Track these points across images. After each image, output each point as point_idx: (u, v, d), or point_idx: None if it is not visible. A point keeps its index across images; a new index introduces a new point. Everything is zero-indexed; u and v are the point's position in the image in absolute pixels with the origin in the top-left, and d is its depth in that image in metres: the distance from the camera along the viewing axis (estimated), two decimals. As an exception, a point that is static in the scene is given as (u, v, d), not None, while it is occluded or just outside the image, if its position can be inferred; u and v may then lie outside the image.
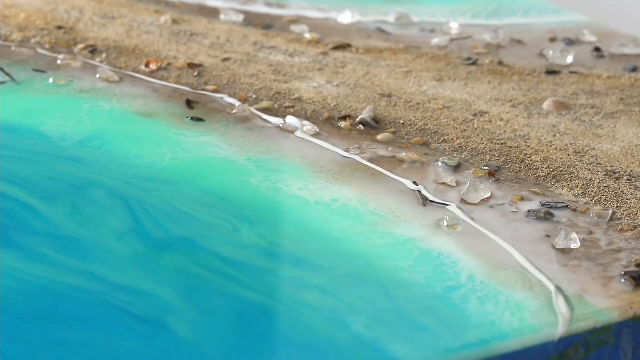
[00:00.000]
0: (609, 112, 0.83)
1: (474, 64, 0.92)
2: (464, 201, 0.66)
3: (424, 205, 0.66)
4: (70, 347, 0.51)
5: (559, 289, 0.57)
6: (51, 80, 0.82)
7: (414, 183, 0.68)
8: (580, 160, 0.73)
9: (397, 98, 0.83)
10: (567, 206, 0.66)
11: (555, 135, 0.77)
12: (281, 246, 0.61)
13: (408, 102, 0.82)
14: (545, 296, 0.56)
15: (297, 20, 1.02)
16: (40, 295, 0.54)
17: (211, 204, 0.65)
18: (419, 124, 0.78)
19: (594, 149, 0.75)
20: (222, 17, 1.01)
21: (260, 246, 0.60)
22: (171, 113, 0.78)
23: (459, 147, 0.74)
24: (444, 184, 0.69)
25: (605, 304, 0.56)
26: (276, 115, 0.78)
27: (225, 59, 0.89)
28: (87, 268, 0.57)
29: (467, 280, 0.58)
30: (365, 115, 0.78)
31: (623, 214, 0.66)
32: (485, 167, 0.71)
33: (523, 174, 0.71)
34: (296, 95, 0.82)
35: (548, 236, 0.63)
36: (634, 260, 0.60)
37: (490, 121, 0.79)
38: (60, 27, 0.94)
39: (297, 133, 0.75)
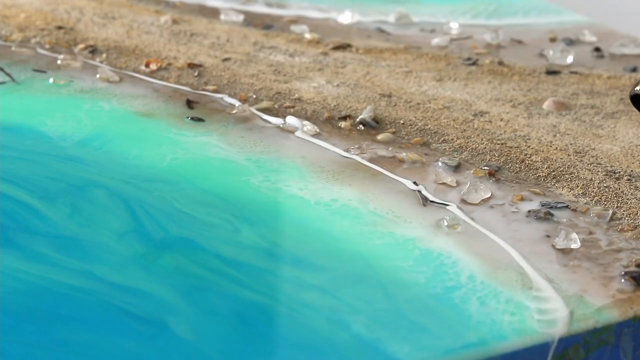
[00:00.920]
0: (609, 112, 0.83)
1: (474, 64, 0.92)
2: (464, 201, 0.66)
3: (424, 205, 0.66)
4: (70, 347, 0.51)
5: (558, 288, 0.57)
6: (51, 80, 0.82)
7: (414, 183, 0.68)
8: (580, 160, 0.73)
9: (397, 98, 0.83)
10: (567, 206, 0.66)
11: (555, 135, 0.77)
12: (281, 246, 0.61)
13: (408, 102, 0.82)
14: (545, 296, 0.56)
15: (297, 20, 1.02)
16: (40, 295, 0.54)
17: (211, 204, 0.64)
18: (419, 124, 0.78)
19: (594, 149, 0.75)
20: (222, 17, 1.01)
21: (260, 246, 0.60)
22: (171, 113, 0.78)
23: (459, 147, 0.74)
24: (444, 184, 0.69)
25: (605, 304, 0.56)
26: (276, 115, 0.78)
27: (225, 59, 0.89)
28: (87, 268, 0.57)
29: (467, 280, 0.58)
30: (365, 115, 0.78)
31: (623, 214, 0.66)
32: (485, 167, 0.71)
33: (523, 174, 0.71)
34: (296, 95, 0.82)
35: (548, 236, 0.63)
36: (634, 260, 0.60)
37: (490, 121, 0.79)
38: (60, 27, 0.94)
39: (297, 133, 0.75)
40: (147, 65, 0.86)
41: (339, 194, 0.66)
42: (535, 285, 0.57)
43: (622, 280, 0.58)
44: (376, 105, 0.80)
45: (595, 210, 0.66)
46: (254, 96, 0.81)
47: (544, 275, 0.58)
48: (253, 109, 0.79)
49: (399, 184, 0.68)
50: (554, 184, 0.69)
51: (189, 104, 0.79)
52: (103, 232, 0.61)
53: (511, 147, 0.74)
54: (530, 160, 0.73)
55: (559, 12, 1.08)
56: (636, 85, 0.72)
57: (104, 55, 0.88)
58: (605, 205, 0.67)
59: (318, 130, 0.76)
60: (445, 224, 0.63)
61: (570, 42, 0.99)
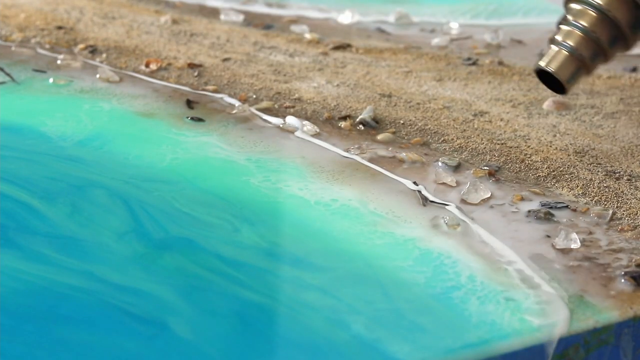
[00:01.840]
0: (609, 112, 0.83)
1: (474, 64, 0.92)
2: (464, 201, 0.66)
3: (424, 205, 0.66)
4: (70, 347, 0.51)
5: (558, 288, 0.57)
6: (51, 80, 0.82)
7: (414, 183, 0.68)
8: (580, 160, 0.73)
9: (397, 98, 0.83)
10: (567, 206, 0.66)
11: (555, 135, 0.77)
12: (281, 246, 0.61)
13: (408, 102, 0.82)
14: (545, 296, 0.56)
15: (297, 20, 1.02)
16: (40, 295, 0.54)
17: (211, 204, 0.65)
18: (419, 124, 0.78)
19: (594, 149, 0.75)
20: (222, 17, 1.01)
21: (260, 246, 0.60)
22: (171, 113, 0.78)
23: (459, 147, 0.74)
24: (444, 184, 0.69)
25: (605, 304, 0.56)
26: (276, 115, 0.78)
27: (225, 59, 0.89)
28: (87, 268, 0.57)
29: (467, 280, 0.58)
30: (365, 115, 0.78)
31: (623, 214, 0.66)
32: (485, 167, 0.71)
33: (523, 174, 0.71)
34: (296, 95, 0.82)
35: (548, 236, 0.63)
36: (634, 260, 0.60)
37: (490, 121, 0.79)
38: (60, 27, 0.94)
39: (297, 133, 0.75)
40: (147, 65, 0.86)
41: (339, 194, 0.66)
42: (535, 286, 0.57)
43: (622, 280, 0.58)
44: (376, 105, 0.80)
45: (595, 210, 0.66)
46: (254, 96, 0.81)
47: (544, 275, 0.58)
48: (253, 109, 0.79)
49: (399, 184, 0.68)
50: (554, 184, 0.69)
51: (189, 104, 0.79)
52: (103, 232, 0.61)
53: (511, 147, 0.75)
54: (530, 160, 0.73)
55: (559, 12, 1.08)
56: (541, 59, 0.72)
57: (104, 55, 0.88)
58: (605, 205, 0.67)
59: (318, 130, 0.76)
60: (445, 224, 0.63)
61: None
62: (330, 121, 0.78)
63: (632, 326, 0.56)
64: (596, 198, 0.68)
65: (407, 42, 0.97)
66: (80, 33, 0.93)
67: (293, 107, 0.80)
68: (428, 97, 0.83)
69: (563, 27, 0.73)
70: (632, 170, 0.72)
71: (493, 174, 0.70)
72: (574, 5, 0.73)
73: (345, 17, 1.03)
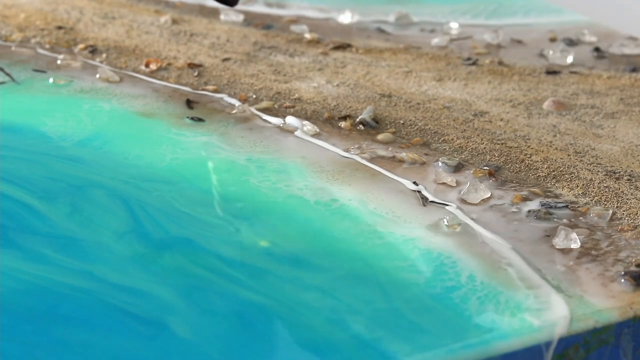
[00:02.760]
0: (609, 112, 0.83)
1: (474, 64, 0.92)
2: (464, 201, 0.66)
3: (424, 205, 0.66)
4: (70, 347, 0.51)
5: (558, 288, 0.57)
6: (51, 80, 0.82)
7: (414, 183, 0.68)
8: (580, 160, 0.73)
9: (397, 98, 0.83)
10: (567, 206, 0.66)
11: (555, 135, 0.77)
12: (281, 246, 0.61)
13: (408, 102, 0.82)
14: (545, 296, 0.56)
15: (297, 20, 1.02)
16: (40, 295, 0.54)
17: (211, 204, 0.65)
18: (419, 124, 0.78)
19: (594, 149, 0.75)
20: (222, 17, 1.01)
21: (260, 246, 0.60)
22: (171, 113, 0.78)
23: (459, 147, 0.74)
24: (444, 184, 0.69)
25: (605, 304, 0.56)
26: (276, 115, 0.78)
27: (225, 59, 0.89)
28: (87, 268, 0.57)
29: (467, 280, 0.58)
30: (365, 115, 0.78)
31: (623, 214, 0.66)
32: (485, 167, 0.71)
33: (523, 174, 0.71)
34: (296, 95, 0.82)
35: (548, 236, 0.63)
36: (634, 260, 0.60)
37: (490, 121, 0.79)
38: (60, 27, 0.94)
39: (297, 133, 0.75)
40: (147, 65, 0.86)
41: (339, 194, 0.66)
42: (535, 285, 0.57)
43: (622, 280, 0.58)
44: (376, 105, 0.80)
45: (595, 210, 0.66)
46: (254, 96, 0.81)
47: (544, 275, 0.58)
48: (253, 109, 0.79)
49: (399, 184, 0.68)
50: (554, 184, 0.69)
51: (189, 104, 0.79)
52: (103, 232, 0.61)
53: (511, 147, 0.74)
54: (530, 160, 0.73)
55: (559, 12, 1.08)
56: None
57: (104, 55, 0.88)
58: (605, 205, 0.67)
59: (318, 130, 0.76)
60: (445, 224, 0.63)
61: (570, 42, 0.99)
62: (330, 121, 0.78)
63: (632, 326, 0.56)
64: (596, 198, 0.68)
65: (407, 42, 0.97)
66: (80, 33, 0.93)
67: (293, 107, 0.80)
68: (428, 97, 0.83)
69: None
70: (632, 170, 0.72)
71: (493, 174, 0.70)
72: None
73: (345, 17, 1.03)
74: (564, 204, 0.67)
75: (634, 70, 0.93)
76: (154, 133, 0.74)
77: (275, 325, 0.53)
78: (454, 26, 1.01)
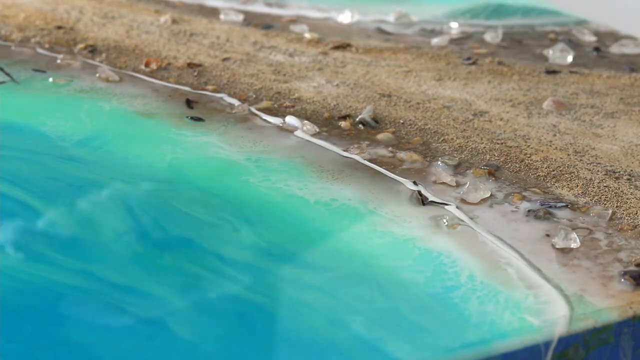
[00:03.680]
0: (609, 111, 0.83)
1: (474, 63, 0.92)
2: (463, 201, 0.66)
3: (424, 204, 0.66)
4: (70, 347, 0.51)
5: (558, 288, 0.57)
6: (51, 80, 0.82)
7: (414, 183, 0.68)
8: (580, 160, 0.73)
9: (397, 98, 0.83)
10: (567, 206, 0.66)
11: (555, 135, 0.77)
12: (281, 246, 0.61)
13: (408, 101, 0.82)
14: (544, 296, 0.56)
15: (297, 20, 1.02)
16: (40, 295, 0.54)
17: (211, 204, 0.65)
18: (419, 124, 0.78)
19: (594, 148, 0.75)
20: (222, 17, 1.01)
21: (260, 246, 0.60)
22: (171, 113, 0.78)
23: (459, 146, 0.74)
24: (444, 183, 0.69)
25: (605, 304, 0.56)
26: (276, 115, 0.78)
27: (225, 59, 0.89)
28: (87, 268, 0.57)
29: (467, 280, 0.58)
30: (365, 114, 0.78)
31: (623, 213, 0.66)
32: (485, 167, 0.71)
33: (523, 173, 0.71)
34: (296, 95, 0.82)
35: (548, 236, 0.63)
36: (634, 260, 0.60)
37: (490, 121, 0.79)
38: (60, 27, 0.94)
39: (297, 133, 0.75)
40: (147, 65, 0.86)
41: (338, 194, 0.66)
42: (534, 285, 0.57)
43: (622, 280, 0.58)
44: (376, 105, 0.80)
45: (595, 210, 0.66)
46: (254, 96, 0.81)
47: (544, 274, 0.58)
48: (253, 109, 0.79)
49: (399, 184, 0.68)
50: (553, 184, 0.69)
51: (189, 103, 0.79)
52: (103, 232, 0.61)
53: (511, 147, 0.75)
54: (530, 160, 0.73)
55: (559, 12, 1.08)
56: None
57: (104, 55, 0.88)
58: (605, 205, 0.67)
59: (318, 129, 0.76)
60: (445, 223, 0.63)
61: (570, 42, 0.99)
62: (330, 121, 0.78)
63: (631, 326, 0.56)
64: (596, 198, 0.68)
65: (407, 42, 0.97)
66: (80, 33, 0.93)
67: (293, 106, 0.80)
68: (428, 96, 0.83)
69: None
70: (632, 170, 0.72)
71: (493, 174, 0.70)
72: None
73: (345, 17, 1.03)
74: (563, 204, 0.67)
75: (633, 70, 0.93)
76: (153, 133, 0.74)
77: (275, 325, 0.53)
78: (454, 26, 1.01)
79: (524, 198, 0.67)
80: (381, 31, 1.01)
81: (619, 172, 0.71)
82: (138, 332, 0.52)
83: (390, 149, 0.73)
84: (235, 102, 0.80)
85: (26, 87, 0.81)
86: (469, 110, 0.81)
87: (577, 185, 0.69)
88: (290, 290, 0.56)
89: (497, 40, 0.98)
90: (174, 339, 0.52)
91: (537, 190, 0.68)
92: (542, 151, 0.74)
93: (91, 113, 0.77)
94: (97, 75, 0.83)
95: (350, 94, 0.83)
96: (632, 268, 0.59)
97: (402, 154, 0.72)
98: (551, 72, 0.91)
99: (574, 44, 0.98)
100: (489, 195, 0.67)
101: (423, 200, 0.66)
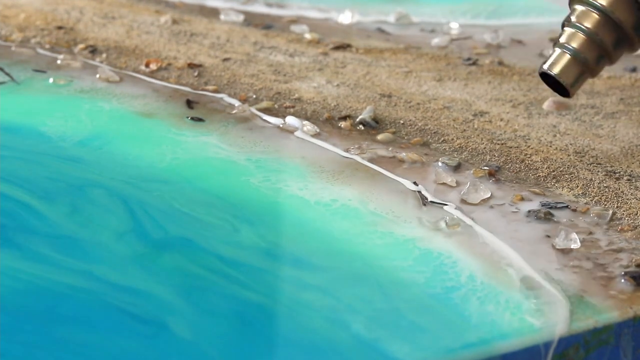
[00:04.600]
0: (609, 112, 0.83)
1: (474, 64, 0.92)
2: (464, 201, 0.66)
3: (424, 205, 0.66)
4: (70, 347, 0.51)
5: (558, 289, 0.57)
6: (51, 80, 0.82)
7: (414, 183, 0.68)
8: (580, 160, 0.73)
9: (397, 98, 0.83)
10: (567, 206, 0.66)
11: (555, 135, 0.77)
12: (281, 246, 0.61)
13: (408, 102, 0.82)
14: (545, 296, 0.56)
15: (297, 20, 1.02)
16: (40, 295, 0.54)
17: (211, 204, 0.65)
18: (419, 124, 0.78)
19: (594, 149, 0.75)
20: (222, 17, 1.01)
21: (260, 246, 0.60)
22: (171, 113, 0.78)
23: (459, 147, 0.74)
24: (444, 184, 0.69)
25: (605, 304, 0.56)
26: (276, 115, 0.78)
27: (225, 59, 0.89)
28: (86, 268, 0.57)
29: (467, 280, 0.58)
30: (365, 115, 0.78)
31: (623, 214, 0.66)
32: (485, 167, 0.71)
33: (523, 174, 0.71)
34: (296, 95, 0.82)
35: (548, 236, 0.63)
36: (634, 260, 0.60)
37: (490, 121, 0.79)
38: (60, 27, 0.94)
39: (297, 133, 0.75)
40: (147, 65, 0.86)
41: (339, 194, 0.66)
42: (535, 285, 0.57)
43: (622, 280, 0.58)
44: (376, 105, 0.80)
45: (595, 210, 0.66)
46: (254, 96, 0.81)
47: (544, 275, 0.58)
48: (253, 109, 0.79)
49: (399, 184, 0.68)
50: (554, 184, 0.69)
51: (189, 104, 0.79)
52: (103, 232, 0.61)
53: (511, 147, 0.74)
54: (530, 160, 0.73)
55: (559, 12, 1.08)
56: (544, 63, 0.71)
57: (104, 55, 0.88)
58: (605, 205, 0.67)
59: (318, 130, 0.76)
60: (445, 224, 0.63)
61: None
62: (330, 121, 0.78)
63: (632, 326, 0.56)
64: (596, 198, 0.68)
65: (407, 42, 0.97)
66: (80, 33, 0.93)
67: (293, 107, 0.80)
68: (428, 97, 0.83)
69: (567, 29, 0.71)
70: (632, 170, 0.72)
71: (493, 174, 0.70)
72: (577, 6, 0.71)
73: (345, 17, 1.03)
74: (564, 204, 0.67)
75: (634, 70, 0.93)
76: (154, 133, 0.74)
77: (275, 325, 0.53)
78: (454, 26, 1.01)
79: (524, 198, 0.67)
80: (381, 31, 1.01)
81: (619, 172, 0.71)
82: (138, 332, 0.52)
83: (390, 149, 0.73)
84: (236, 102, 0.80)
85: (26, 87, 0.81)
86: (469, 110, 0.81)
87: (578, 186, 0.69)
88: (290, 291, 0.56)
89: (497, 40, 0.98)
90: (173, 339, 0.52)
91: (538, 191, 0.68)
92: (542, 151, 0.74)
93: (91, 113, 0.77)
94: (98, 75, 0.83)
95: (351, 95, 0.83)
96: (633, 269, 0.59)
97: (402, 155, 0.72)
98: (551, 72, 0.91)
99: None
100: (489, 195, 0.67)
101: (423, 201, 0.66)
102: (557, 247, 0.61)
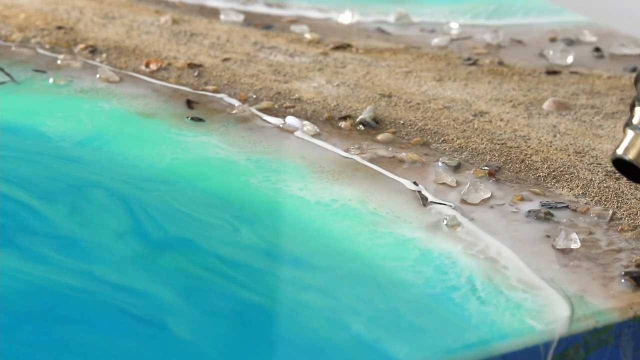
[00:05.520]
0: (609, 112, 0.83)
1: (474, 64, 0.92)
2: (464, 201, 0.66)
3: (424, 205, 0.66)
4: (70, 347, 0.51)
5: (559, 289, 0.57)
6: (51, 80, 0.82)
7: (414, 183, 0.68)
8: (581, 160, 0.73)
9: (397, 98, 0.83)
10: (567, 206, 0.66)
11: (555, 135, 0.77)
12: (281, 246, 0.61)
13: (408, 102, 0.82)
14: (545, 296, 0.56)
15: (297, 20, 1.02)
16: (40, 295, 0.54)
17: (211, 204, 0.64)
18: (419, 124, 0.78)
19: (594, 149, 0.75)
20: (222, 17, 1.01)
21: (260, 246, 0.60)
22: (171, 113, 0.78)
23: (459, 147, 0.74)
24: (444, 184, 0.69)
25: (605, 304, 0.56)
26: (276, 115, 0.78)
27: (225, 59, 0.89)
28: (86, 268, 0.57)
29: (467, 280, 0.58)
30: (365, 115, 0.78)
31: (623, 214, 0.66)
32: (485, 167, 0.71)
33: (523, 174, 0.71)
34: (296, 95, 0.82)
35: (548, 236, 0.63)
36: (634, 260, 0.60)
37: (490, 121, 0.79)
38: (60, 27, 0.94)
39: (297, 133, 0.75)
40: (147, 65, 0.86)
41: (339, 194, 0.66)
42: (535, 286, 0.57)
43: (622, 280, 0.58)
44: (376, 105, 0.80)
45: (595, 210, 0.66)
46: (254, 96, 0.81)
47: (544, 275, 0.58)
48: (253, 109, 0.79)
49: (399, 184, 0.68)
50: (554, 184, 0.69)
51: (189, 104, 0.79)
52: (102, 232, 0.61)
53: (511, 147, 0.74)
54: (530, 160, 0.73)
55: (559, 12, 1.08)
56: (617, 147, 0.64)
57: (104, 55, 0.88)
58: (605, 205, 0.67)
59: (318, 130, 0.76)
60: (445, 224, 0.63)
61: (570, 42, 0.99)
62: (330, 121, 0.78)
63: (632, 326, 0.56)
64: (596, 198, 0.68)
65: (407, 42, 0.97)
66: (80, 33, 0.93)
67: (293, 107, 0.80)
68: (428, 97, 0.83)
69: (638, 109, 0.64)
70: (632, 170, 0.72)
71: (493, 174, 0.70)
72: None
73: (345, 17, 1.03)
74: (564, 204, 0.67)
75: (633, 70, 0.93)
76: (154, 133, 0.74)
77: (275, 326, 0.53)
78: (454, 26, 1.01)
79: (524, 198, 0.67)
80: (381, 31, 1.01)
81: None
82: (138, 332, 0.52)
83: (390, 149, 0.73)
84: (236, 102, 0.80)
85: (26, 87, 0.81)
86: (469, 110, 0.81)
87: (578, 186, 0.69)
88: (290, 291, 0.56)
89: (497, 40, 0.98)
90: (173, 339, 0.52)
91: (538, 191, 0.68)
92: (542, 151, 0.74)
93: (91, 113, 0.77)
94: (98, 75, 0.83)
95: (351, 95, 0.83)
96: (633, 269, 0.59)
97: (402, 155, 0.72)
98: (551, 72, 0.91)
99: (574, 44, 0.98)
100: (489, 195, 0.67)
101: (423, 201, 0.66)
102: (557, 247, 0.61)
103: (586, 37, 1.00)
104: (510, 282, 0.58)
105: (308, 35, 0.96)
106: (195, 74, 0.85)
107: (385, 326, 0.53)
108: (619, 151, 0.63)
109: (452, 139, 0.75)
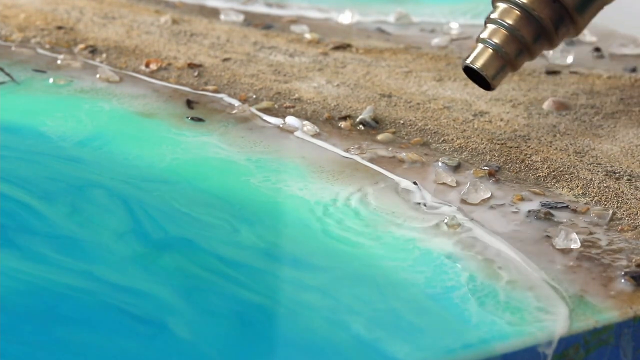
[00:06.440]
0: (609, 112, 0.83)
1: (474, 64, 0.92)
2: (464, 201, 0.66)
3: (424, 205, 0.66)
4: (70, 347, 0.51)
5: (558, 289, 0.57)
6: (51, 80, 0.82)
7: (414, 183, 0.68)
8: (580, 160, 0.73)
9: (397, 98, 0.83)
10: (567, 206, 0.66)
11: (555, 135, 0.77)
12: (281, 246, 0.61)
13: (408, 102, 0.82)
14: (545, 296, 0.56)
15: (297, 20, 1.02)
16: (40, 295, 0.54)
17: (211, 204, 0.65)
18: (419, 124, 0.78)
19: (594, 149, 0.75)
20: (222, 17, 1.01)
21: (260, 246, 0.60)
22: (171, 113, 0.78)
23: (459, 147, 0.74)
24: (444, 184, 0.69)
25: (605, 304, 0.56)
26: (276, 115, 0.78)
27: (225, 59, 0.89)
28: (86, 268, 0.57)
29: (467, 280, 0.58)
30: (365, 115, 0.78)
31: (623, 214, 0.66)
32: (485, 167, 0.71)
33: (523, 174, 0.71)
34: (296, 95, 0.82)
35: (548, 236, 0.63)
36: (634, 260, 0.60)
37: (490, 121, 0.79)
38: (60, 27, 0.94)
39: (297, 133, 0.75)
40: (147, 65, 0.86)
41: (339, 194, 0.66)
42: (535, 286, 0.57)
43: (622, 280, 0.58)
44: (376, 105, 0.80)
45: (595, 210, 0.66)
46: (254, 96, 0.81)
47: (544, 275, 0.58)
48: (253, 109, 0.79)
49: (399, 184, 0.68)
50: (554, 184, 0.69)
51: (189, 104, 0.79)
52: (103, 232, 0.61)
53: (511, 147, 0.75)
54: (530, 160, 0.73)
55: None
56: (467, 56, 0.75)
57: (104, 55, 0.88)
58: (605, 205, 0.67)
59: (318, 130, 0.76)
60: (445, 224, 0.63)
61: (570, 42, 0.99)
62: (330, 121, 0.78)
63: (632, 326, 0.56)
64: (596, 198, 0.68)
65: (407, 42, 0.97)
66: (80, 33, 0.93)
67: (293, 107, 0.80)
68: (428, 97, 0.83)
69: (489, 25, 0.75)
70: (632, 170, 0.72)
71: (493, 174, 0.70)
72: (499, 4, 0.75)
73: (345, 17, 1.03)
74: (564, 204, 0.67)
75: (633, 70, 0.93)
76: (154, 133, 0.74)
77: (275, 326, 0.53)
78: (454, 26, 1.01)
79: (524, 198, 0.67)
80: (381, 31, 1.01)
81: (619, 172, 0.71)
82: (138, 332, 0.52)
83: (390, 149, 0.73)
84: (236, 102, 0.80)
85: (26, 87, 0.81)
86: (469, 110, 0.81)
87: (578, 186, 0.69)
88: (290, 291, 0.56)
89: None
90: (173, 339, 0.52)
91: (538, 191, 0.68)
92: (542, 151, 0.74)
93: (91, 113, 0.77)
94: (98, 75, 0.83)
95: (351, 95, 0.83)
96: (633, 269, 0.59)
97: (402, 155, 0.72)
98: (551, 72, 0.91)
99: (573, 44, 0.98)
100: (489, 195, 0.67)
101: (423, 201, 0.66)
102: (557, 247, 0.61)
103: (586, 37, 1.00)
104: (510, 282, 0.58)
105: (308, 35, 0.96)
106: (195, 74, 0.85)
107: (385, 326, 0.53)
108: (468, 60, 0.75)
109: (452, 139, 0.75)
